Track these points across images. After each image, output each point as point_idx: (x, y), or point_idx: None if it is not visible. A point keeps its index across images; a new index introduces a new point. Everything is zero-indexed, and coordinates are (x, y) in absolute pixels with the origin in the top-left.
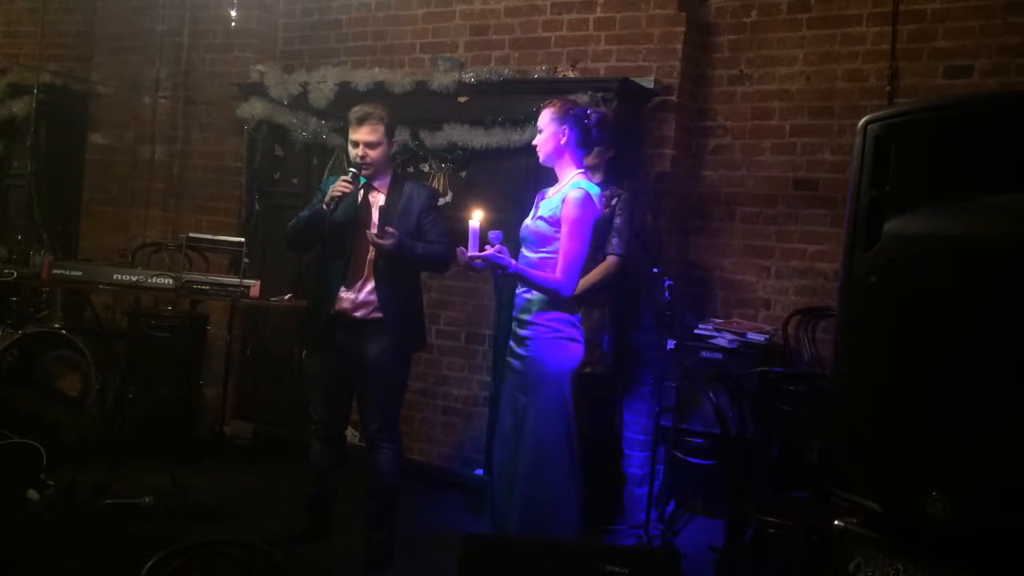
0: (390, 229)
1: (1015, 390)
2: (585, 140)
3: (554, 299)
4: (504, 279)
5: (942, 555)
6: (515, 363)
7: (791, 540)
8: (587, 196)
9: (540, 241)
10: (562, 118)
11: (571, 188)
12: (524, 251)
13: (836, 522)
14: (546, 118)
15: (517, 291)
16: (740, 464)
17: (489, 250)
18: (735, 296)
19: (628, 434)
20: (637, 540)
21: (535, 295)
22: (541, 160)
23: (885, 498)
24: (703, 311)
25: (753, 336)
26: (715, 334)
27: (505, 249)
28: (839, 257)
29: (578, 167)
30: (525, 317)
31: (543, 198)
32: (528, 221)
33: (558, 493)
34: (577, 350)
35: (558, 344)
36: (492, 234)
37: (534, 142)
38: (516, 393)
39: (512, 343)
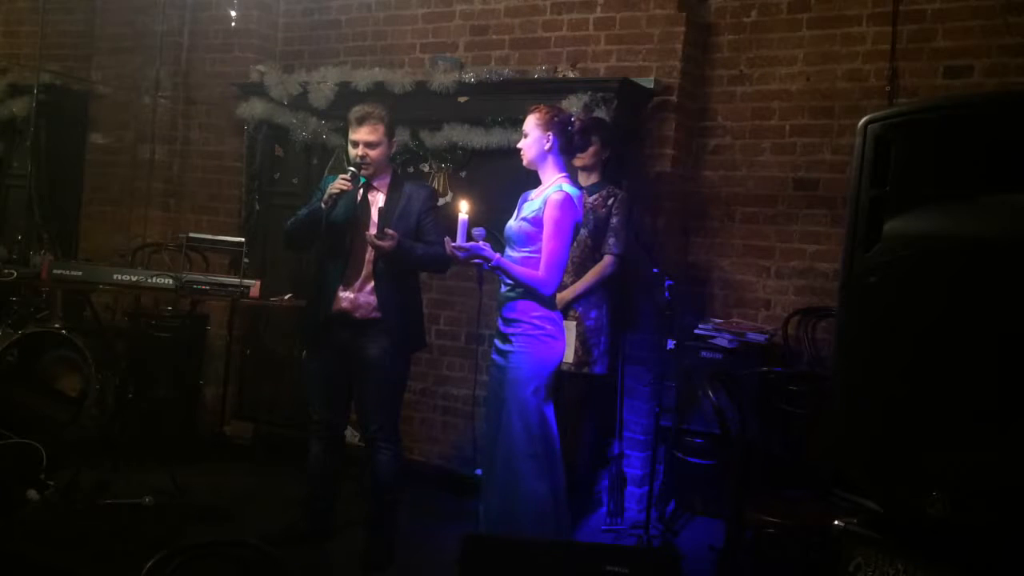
0: (390, 231)
1: (1015, 389)
2: (567, 147)
3: (536, 295)
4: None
5: (942, 555)
6: (499, 359)
7: (791, 540)
8: (567, 198)
9: (523, 240)
10: (546, 125)
11: (553, 190)
12: (508, 250)
13: (836, 522)
14: (531, 123)
15: (501, 288)
16: (740, 464)
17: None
18: (735, 296)
19: (628, 434)
20: (637, 540)
21: (513, 290)
22: (524, 163)
23: (885, 498)
24: (703, 311)
25: (753, 336)
26: (715, 334)
27: (488, 245)
28: (839, 257)
29: (560, 171)
30: (510, 315)
31: (526, 200)
32: (512, 222)
33: (530, 487)
34: (558, 347)
35: (540, 342)
36: (476, 231)
37: (519, 145)
38: (499, 390)
39: (497, 340)
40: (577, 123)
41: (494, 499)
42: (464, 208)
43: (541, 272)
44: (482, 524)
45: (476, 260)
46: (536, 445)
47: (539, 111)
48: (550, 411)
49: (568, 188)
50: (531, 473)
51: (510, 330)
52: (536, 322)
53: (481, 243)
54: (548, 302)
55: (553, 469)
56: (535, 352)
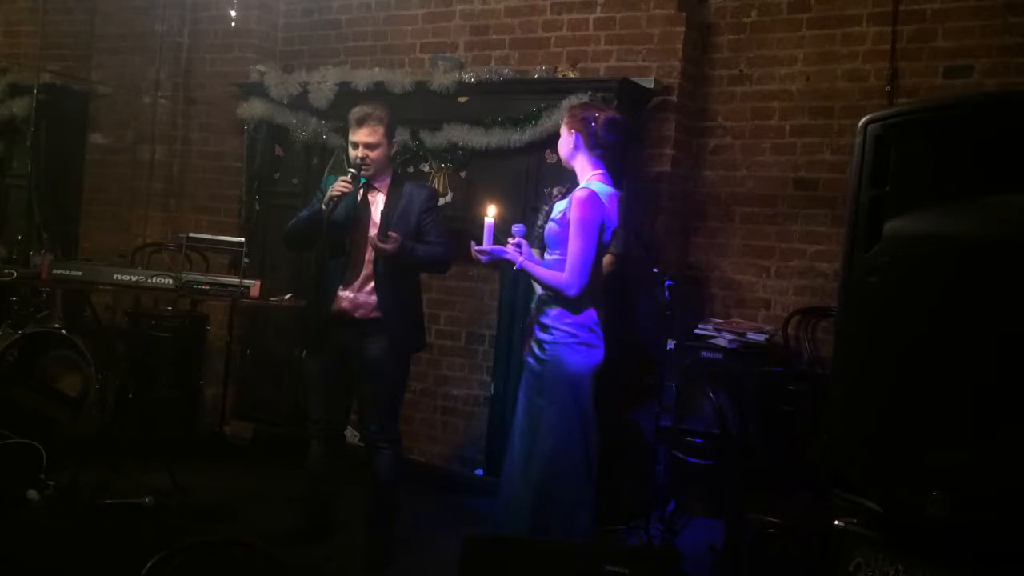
0: (393, 234)
1: (1015, 389)
2: (592, 143)
3: (559, 298)
4: (521, 276)
5: (942, 555)
6: (534, 364)
7: (791, 540)
8: (592, 195)
9: (553, 243)
10: (570, 124)
11: (579, 188)
12: (545, 254)
13: (836, 522)
14: (562, 126)
15: (537, 291)
16: (740, 464)
17: (510, 243)
18: (735, 296)
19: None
20: (637, 540)
21: (547, 294)
22: (564, 165)
23: (885, 498)
24: (703, 311)
25: (753, 336)
26: (715, 334)
27: (525, 243)
28: (839, 257)
29: (594, 168)
30: (545, 321)
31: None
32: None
33: (571, 497)
34: (595, 354)
35: (576, 349)
36: (516, 227)
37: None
38: (532, 395)
39: (533, 345)
40: (601, 117)
41: (529, 505)
42: (491, 212)
43: (564, 273)
44: (504, 525)
45: (501, 264)
46: (577, 454)
47: (569, 112)
48: (591, 417)
49: (596, 185)
50: (571, 483)
51: (545, 337)
52: (569, 330)
53: (517, 241)
54: (574, 305)
55: (591, 476)
56: (570, 359)
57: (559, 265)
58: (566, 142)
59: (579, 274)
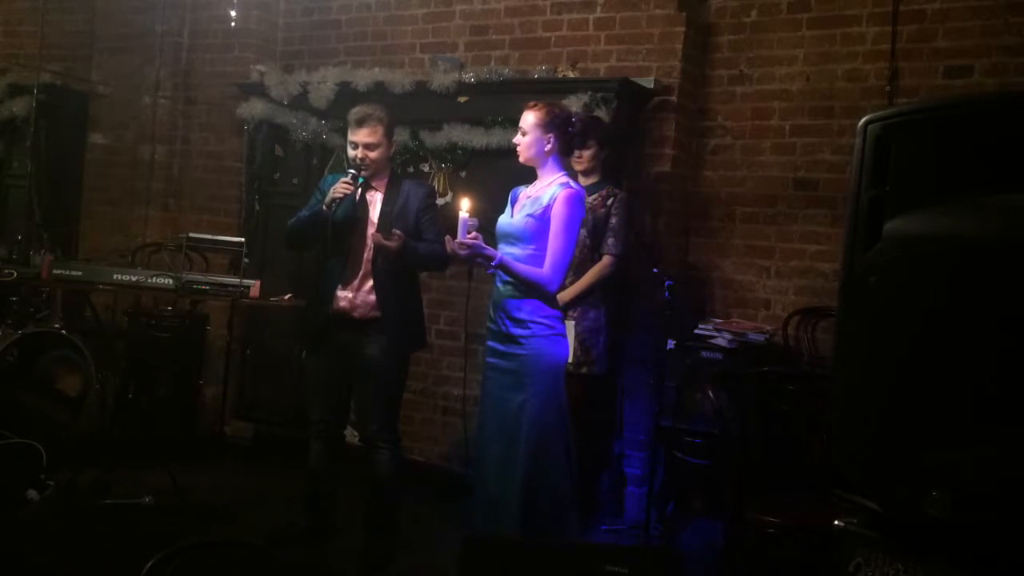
0: (397, 232)
1: (1015, 389)
2: (567, 148)
3: (538, 294)
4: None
5: (942, 555)
6: (503, 363)
7: (791, 540)
8: (578, 194)
9: (527, 238)
10: (547, 126)
11: (561, 188)
12: (506, 247)
13: (836, 522)
14: (530, 122)
15: (498, 285)
16: (740, 464)
17: (467, 238)
18: (735, 296)
19: (628, 434)
20: (637, 540)
21: (516, 288)
22: (522, 160)
23: (885, 498)
24: (703, 311)
25: (753, 336)
26: (715, 334)
27: (480, 236)
28: (839, 257)
29: (560, 170)
30: (519, 316)
31: (517, 195)
32: (508, 218)
33: (559, 487)
34: (566, 346)
35: (555, 340)
36: (469, 221)
37: (515, 140)
38: (506, 393)
39: (496, 343)
40: (578, 124)
41: (515, 502)
42: (465, 206)
43: (546, 269)
44: (484, 524)
45: (478, 259)
46: (561, 443)
47: (538, 110)
48: (566, 408)
49: (575, 185)
50: (558, 473)
51: (520, 331)
52: (546, 322)
53: (472, 234)
54: (551, 300)
55: (573, 466)
56: (548, 351)
57: (532, 259)
58: (538, 144)
59: (561, 270)
